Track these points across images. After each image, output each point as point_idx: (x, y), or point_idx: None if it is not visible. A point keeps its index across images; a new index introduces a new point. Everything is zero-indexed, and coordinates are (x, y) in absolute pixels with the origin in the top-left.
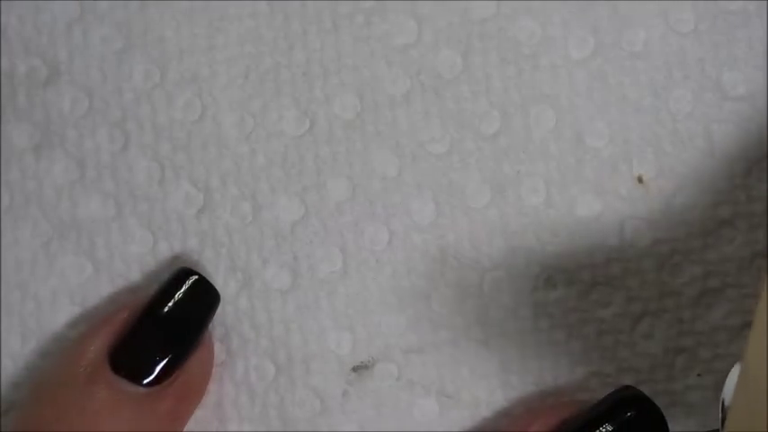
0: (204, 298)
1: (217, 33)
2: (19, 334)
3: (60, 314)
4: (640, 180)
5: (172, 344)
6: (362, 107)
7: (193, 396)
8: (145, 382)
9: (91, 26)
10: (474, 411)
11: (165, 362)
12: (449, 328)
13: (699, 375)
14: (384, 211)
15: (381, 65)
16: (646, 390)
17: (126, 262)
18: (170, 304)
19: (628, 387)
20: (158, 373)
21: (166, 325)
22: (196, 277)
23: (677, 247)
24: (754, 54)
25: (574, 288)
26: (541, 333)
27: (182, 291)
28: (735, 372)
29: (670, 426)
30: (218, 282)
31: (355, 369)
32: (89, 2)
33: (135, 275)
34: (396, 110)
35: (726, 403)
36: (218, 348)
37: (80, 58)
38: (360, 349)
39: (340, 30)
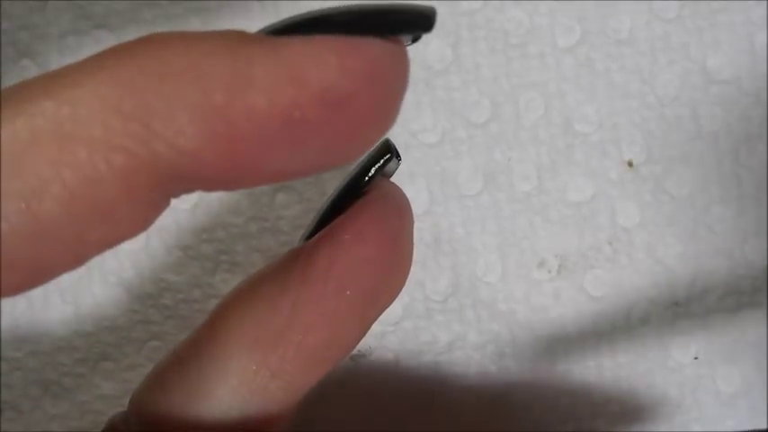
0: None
1: (209, 29)
2: (10, 334)
3: (52, 313)
4: (630, 164)
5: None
6: None
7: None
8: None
9: (84, 32)
10: (472, 398)
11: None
12: (444, 315)
13: (696, 358)
14: None
15: None
16: (643, 373)
17: (118, 259)
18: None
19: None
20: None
21: None
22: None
23: (668, 229)
24: (737, 37)
25: (567, 272)
26: (536, 318)
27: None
28: None
29: (669, 414)
30: (215, 278)
31: (353, 358)
32: (83, 8)
33: (128, 273)
34: None
35: None
36: None
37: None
38: None
39: None
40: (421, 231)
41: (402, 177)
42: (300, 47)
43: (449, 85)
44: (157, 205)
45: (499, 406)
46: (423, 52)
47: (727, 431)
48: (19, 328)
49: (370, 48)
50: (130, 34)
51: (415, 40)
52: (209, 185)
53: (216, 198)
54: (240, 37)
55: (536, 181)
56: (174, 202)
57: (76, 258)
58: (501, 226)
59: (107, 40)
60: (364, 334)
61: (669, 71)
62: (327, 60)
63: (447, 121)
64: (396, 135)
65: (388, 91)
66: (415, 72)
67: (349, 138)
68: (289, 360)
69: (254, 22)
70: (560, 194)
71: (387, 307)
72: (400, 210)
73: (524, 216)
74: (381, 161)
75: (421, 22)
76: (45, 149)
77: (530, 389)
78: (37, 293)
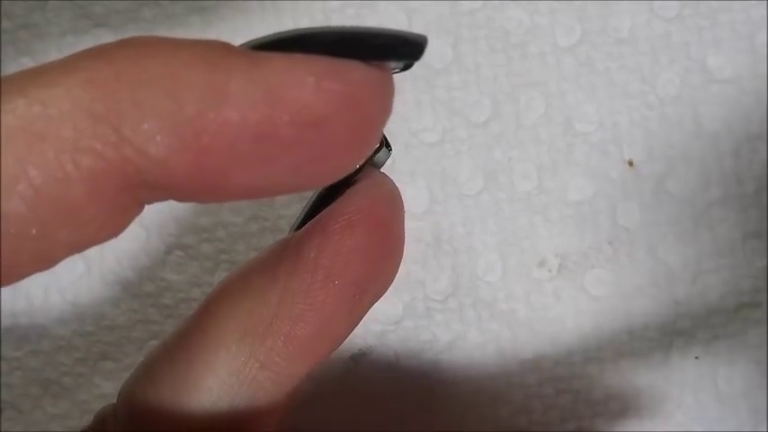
0: None
1: (209, 28)
2: (10, 334)
3: (52, 312)
4: (630, 163)
5: None
6: None
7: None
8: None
9: (84, 30)
10: (473, 398)
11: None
12: (444, 314)
13: (696, 358)
14: None
15: None
16: (644, 373)
17: (118, 258)
18: None
19: None
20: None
21: None
22: None
23: (669, 229)
24: (738, 37)
25: (567, 271)
26: (536, 317)
27: None
28: None
29: (669, 414)
30: (215, 277)
31: (353, 357)
32: (83, 8)
33: (127, 272)
34: None
35: None
36: None
37: None
38: (357, 337)
39: (331, 23)
40: (421, 231)
41: (402, 177)
42: (280, 64)
43: (449, 85)
44: (128, 210)
45: (499, 405)
46: None
47: (728, 431)
48: (19, 328)
49: (351, 71)
50: (130, 33)
51: (406, 67)
52: (178, 195)
53: None
54: (221, 49)
55: (536, 180)
56: (175, 202)
57: (45, 259)
58: (501, 225)
59: (107, 39)
60: (355, 325)
61: (670, 70)
62: (304, 80)
63: (447, 120)
64: (396, 134)
65: (366, 117)
66: (416, 71)
67: (321, 160)
68: (278, 351)
69: (254, 21)
70: (561, 194)
71: (378, 297)
72: (389, 199)
73: (525, 215)
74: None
75: (408, 50)
76: (13, 147)
77: (530, 388)
78: (37, 293)
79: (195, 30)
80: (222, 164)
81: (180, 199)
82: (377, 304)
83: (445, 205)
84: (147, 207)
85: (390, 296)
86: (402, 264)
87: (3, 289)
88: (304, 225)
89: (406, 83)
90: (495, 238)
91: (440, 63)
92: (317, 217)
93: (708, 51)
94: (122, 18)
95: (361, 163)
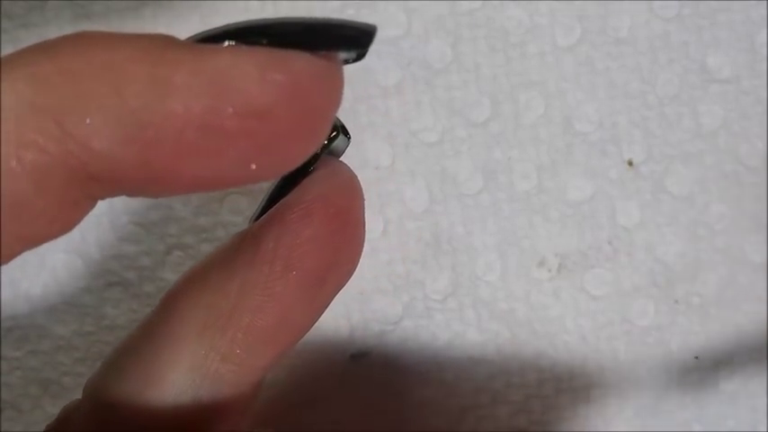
0: None
1: (209, 27)
2: (10, 334)
3: (52, 313)
4: (630, 163)
5: None
6: (355, 99)
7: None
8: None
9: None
10: (473, 398)
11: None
12: (444, 314)
13: (696, 358)
14: (378, 200)
15: (372, 57)
16: (644, 373)
17: (118, 259)
18: None
19: None
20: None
21: None
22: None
23: (668, 228)
24: (737, 36)
25: (567, 271)
26: (536, 317)
27: None
28: None
29: (669, 413)
30: None
31: (353, 357)
32: (83, 7)
33: (128, 273)
34: (388, 100)
35: None
36: None
37: None
38: (357, 337)
39: None
40: (421, 230)
41: (402, 177)
42: (224, 56)
43: (449, 85)
44: (78, 205)
45: (499, 405)
46: (423, 51)
47: (728, 431)
48: (19, 328)
49: (295, 62)
50: (130, 30)
51: (358, 57)
52: (128, 189)
53: (216, 198)
54: (165, 42)
55: (536, 180)
56: (175, 204)
57: None
58: (501, 225)
59: None
60: (319, 314)
61: (669, 70)
62: (248, 71)
63: (447, 120)
64: (396, 134)
65: (312, 107)
66: (416, 71)
67: (269, 151)
68: (238, 343)
69: (252, 17)
70: (560, 194)
71: (341, 286)
72: (347, 187)
73: (524, 215)
74: (326, 139)
75: (355, 40)
76: None
77: (530, 388)
78: (37, 293)
79: (195, 29)
80: (168, 156)
81: (130, 193)
82: (377, 304)
83: (445, 205)
84: (146, 207)
85: (390, 296)
86: (402, 264)
87: (3, 289)
88: (262, 216)
89: (406, 83)
90: (494, 238)
91: (440, 63)
92: (274, 207)
93: (707, 51)
94: (122, 18)
95: (317, 152)
